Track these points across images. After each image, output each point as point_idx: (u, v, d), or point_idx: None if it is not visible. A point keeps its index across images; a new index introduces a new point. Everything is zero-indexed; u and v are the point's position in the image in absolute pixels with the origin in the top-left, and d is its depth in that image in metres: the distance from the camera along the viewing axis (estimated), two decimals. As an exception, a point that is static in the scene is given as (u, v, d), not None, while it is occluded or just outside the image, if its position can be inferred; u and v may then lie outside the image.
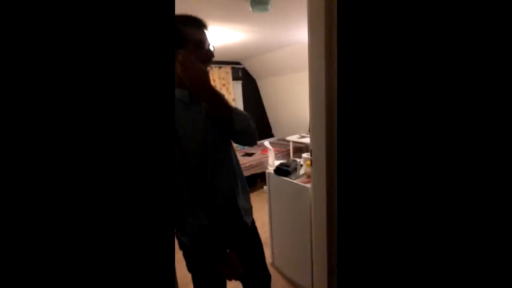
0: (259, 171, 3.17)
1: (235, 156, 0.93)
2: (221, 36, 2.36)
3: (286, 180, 1.52)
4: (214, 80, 3.69)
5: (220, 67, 3.72)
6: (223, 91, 3.81)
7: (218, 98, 0.79)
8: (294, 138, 3.50)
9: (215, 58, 0.83)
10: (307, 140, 3.32)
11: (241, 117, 0.82)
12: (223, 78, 3.80)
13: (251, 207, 0.98)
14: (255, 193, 3.22)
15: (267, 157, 3.29)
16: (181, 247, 0.88)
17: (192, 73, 0.73)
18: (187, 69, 0.73)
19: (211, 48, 0.81)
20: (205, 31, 0.79)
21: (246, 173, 2.61)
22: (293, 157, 3.54)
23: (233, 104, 3.97)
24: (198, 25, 0.77)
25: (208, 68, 0.83)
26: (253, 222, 0.99)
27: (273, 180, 1.65)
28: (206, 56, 0.78)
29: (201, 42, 0.76)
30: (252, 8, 1.58)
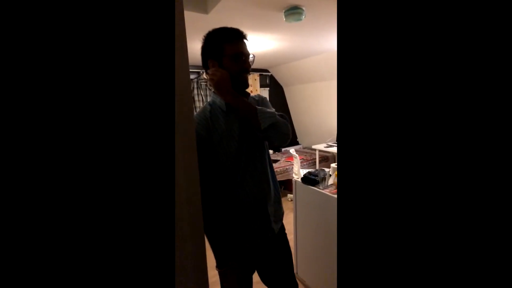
0: (282, 178, 3.16)
1: (270, 163, 0.94)
2: (253, 44, 2.42)
3: (313, 189, 1.50)
4: (242, 87, 3.77)
5: (249, 74, 3.80)
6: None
7: (240, 100, 0.81)
8: (320, 147, 3.45)
9: None
10: (334, 149, 3.25)
11: (267, 114, 0.82)
12: (251, 85, 3.87)
13: (282, 214, 0.98)
14: (279, 200, 3.19)
15: (291, 164, 3.27)
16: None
17: (215, 80, 0.80)
18: (212, 77, 0.80)
19: (251, 58, 0.85)
20: (244, 41, 0.83)
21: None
22: (319, 166, 3.48)
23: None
24: (236, 38, 0.81)
25: (249, 75, 0.87)
26: (282, 229, 0.99)
27: (300, 188, 1.64)
28: (243, 67, 0.82)
29: (238, 54, 0.81)
30: (285, 18, 1.61)
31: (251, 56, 0.86)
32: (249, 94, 0.92)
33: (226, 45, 0.80)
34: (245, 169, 0.84)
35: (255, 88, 3.91)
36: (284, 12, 1.59)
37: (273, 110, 0.99)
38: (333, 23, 1.91)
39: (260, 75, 3.96)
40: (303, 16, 1.61)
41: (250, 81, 3.87)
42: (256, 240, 0.89)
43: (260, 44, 2.42)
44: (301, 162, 3.11)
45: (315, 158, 3.51)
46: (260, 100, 0.98)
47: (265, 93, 4.19)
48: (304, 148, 4.22)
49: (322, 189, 1.46)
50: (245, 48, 0.84)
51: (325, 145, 3.47)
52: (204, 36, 0.84)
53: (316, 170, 1.59)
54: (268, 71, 4.11)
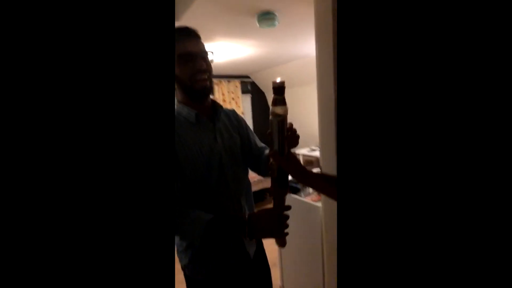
0: (266, 185, 3.10)
1: (246, 178, 0.86)
2: (229, 51, 2.38)
3: (295, 197, 1.45)
4: (223, 94, 3.72)
5: (229, 81, 3.76)
6: (232, 105, 3.82)
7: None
8: (304, 151, 3.43)
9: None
10: (317, 153, 3.25)
11: None
12: (232, 92, 3.82)
13: None
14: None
15: (277, 171, 3.23)
16: (184, 268, 0.83)
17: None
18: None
19: (209, 57, 0.75)
20: (194, 39, 0.72)
21: (254, 188, 2.55)
22: (303, 171, 3.46)
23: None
24: (181, 36, 0.70)
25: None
26: (259, 251, 0.90)
27: (281, 197, 1.59)
28: (194, 69, 0.71)
29: (184, 55, 0.69)
30: (259, 24, 1.58)
31: (209, 54, 0.74)
32: (220, 106, 0.83)
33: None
34: (217, 189, 0.75)
35: (236, 95, 3.87)
36: (257, 17, 1.56)
37: (258, 142, 0.93)
38: (309, 28, 1.91)
39: (241, 81, 3.93)
40: (277, 22, 1.59)
41: (231, 88, 3.86)
42: (229, 268, 0.80)
43: (236, 50, 2.39)
44: (285, 168, 3.08)
45: (300, 163, 3.49)
46: (234, 118, 0.88)
47: (246, 99, 4.16)
48: (288, 153, 4.20)
49: (304, 197, 1.41)
50: (195, 46, 0.71)
51: (308, 149, 3.46)
52: None
53: (297, 177, 1.55)
54: (249, 77, 4.09)
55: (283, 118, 0.61)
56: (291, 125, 0.65)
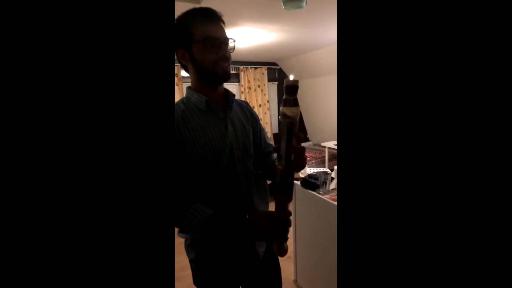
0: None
1: (258, 172, 0.82)
2: (255, 36, 2.29)
3: (313, 194, 1.38)
4: (249, 81, 3.65)
5: (255, 68, 3.67)
6: (257, 92, 3.74)
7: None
8: (330, 144, 3.28)
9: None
10: (344, 146, 3.08)
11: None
12: (258, 79, 3.74)
13: None
14: (285, 199, 3.09)
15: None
16: (191, 262, 0.82)
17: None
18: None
19: (231, 43, 0.70)
20: (219, 24, 0.69)
21: (275, 179, 2.50)
22: (328, 165, 3.31)
23: (267, 105, 3.89)
24: (207, 19, 0.66)
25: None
26: (270, 248, 0.86)
27: (299, 192, 1.52)
28: (218, 55, 0.67)
29: (210, 39, 0.65)
30: (284, 5, 1.47)
31: (230, 41, 0.70)
32: (233, 94, 0.77)
33: (195, 28, 0.65)
34: (224, 182, 0.70)
35: (262, 82, 3.78)
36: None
37: (269, 141, 0.89)
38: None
39: (268, 68, 3.81)
40: (304, 3, 1.46)
41: (257, 75, 3.76)
42: (236, 266, 0.76)
43: (262, 35, 2.29)
44: (309, 160, 2.98)
45: (325, 156, 3.35)
46: (247, 110, 0.84)
47: (273, 87, 4.05)
48: (314, 145, 4.06)
49: (323, 195, 1.34)
50: (220, 32, 0.68)
51: (335, 142, 3.30)
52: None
53: (317, 172, 1.47)
54: (277, 64, 3.95)
55: (292, 121, 0.56)
56: (301, 138, 0.60)
